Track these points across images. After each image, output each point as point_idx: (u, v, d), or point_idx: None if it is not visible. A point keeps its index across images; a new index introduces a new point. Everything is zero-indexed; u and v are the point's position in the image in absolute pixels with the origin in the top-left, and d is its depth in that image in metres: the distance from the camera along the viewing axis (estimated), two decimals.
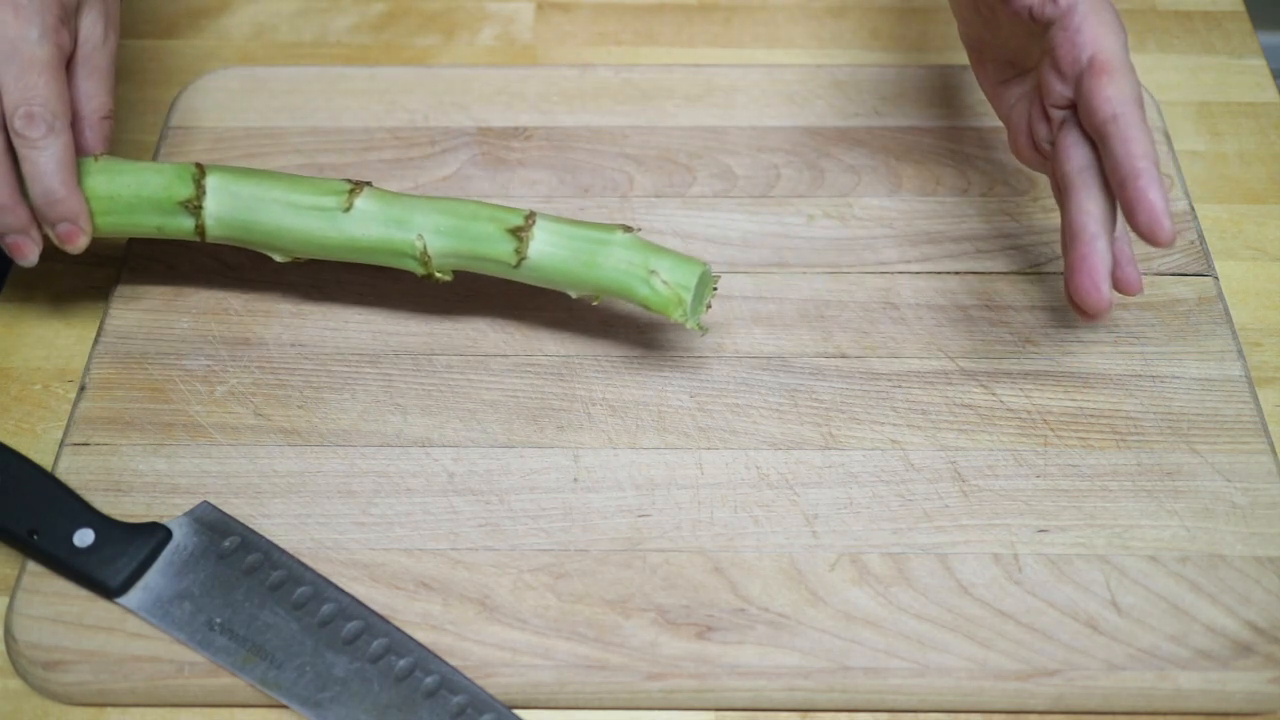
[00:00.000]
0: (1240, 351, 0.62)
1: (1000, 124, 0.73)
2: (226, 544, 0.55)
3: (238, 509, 0.57)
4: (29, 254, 0.59)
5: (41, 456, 0.60)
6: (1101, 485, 0.57)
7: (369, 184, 0.60)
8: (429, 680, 0.51)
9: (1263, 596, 0.54)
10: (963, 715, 0.53)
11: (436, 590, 0.54)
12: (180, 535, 0.55)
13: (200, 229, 0.60)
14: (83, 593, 0.54)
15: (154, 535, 0.55)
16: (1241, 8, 0.81)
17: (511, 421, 0.60)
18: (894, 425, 0.59)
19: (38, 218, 0.58)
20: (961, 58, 0.78)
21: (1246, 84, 0.76)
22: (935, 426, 0.59)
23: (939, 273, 0.65)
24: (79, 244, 0.59)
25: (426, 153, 0.71)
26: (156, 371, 0.62)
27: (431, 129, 0.73)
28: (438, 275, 0.60)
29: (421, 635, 0.53)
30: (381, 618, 0.53)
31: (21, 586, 0.54)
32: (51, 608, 0.54)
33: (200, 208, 0.59)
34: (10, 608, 0.54)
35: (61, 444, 0.59)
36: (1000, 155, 0.71)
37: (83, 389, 0.61)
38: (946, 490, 0.57)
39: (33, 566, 0.55)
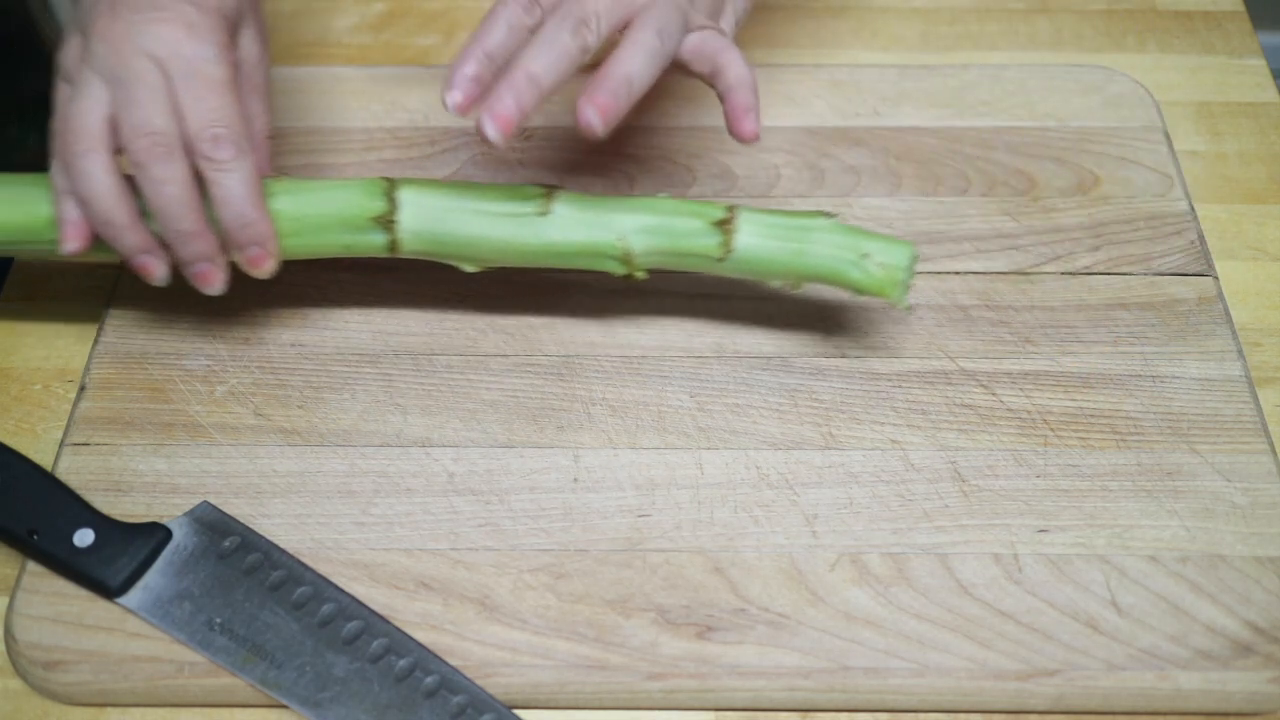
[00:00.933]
0: (1240, 351, 0.62)
1: (1000, 124, 0.73)
2: (226, 544, 0.55)
3: (238, 509, 0.57)
4: (216, 282, 0.57)
5: (41, 456, 0.60)
6: (1101, 485, 0.57)
7: (559, 187, 0.59)
8: (429, 680, 0.51)
9: (1263, 596, 0.54)
10: (963, 715, 0.53)
11: (436, 590, 0.54)
12: (180, 535, 0.55)
13: (394, 244, 0.58)
14: (83, 593, 0.54)
15: (154, 535, 0.55)
16: (1241, 8, 0.81)
17: (511, 421, 0.60)
18: (894, 425, 0.59)
19: (225, 242, 0.56)
20: (963, 57, 0.78)
21: (1246, 84, 0.76)
22: (935, 426, 0.59)
23: (939, 273, 0.65)
24: (267, 268, 0.57)
25: (426, 153, 0.71)
26: (156, 371, 0.62)
27: (431, 129, 0.73)
28: (637, 275, 0.59)
29: (421, 635, 0.53)
30: (381, 618, 0.53)
31: (21, 586, 0.54)
32: (51, 608, 0.54)
33: (394, 222, 0.57)
34: (10, 608, 0.54)
35: (61, 444, 0.59)
36: (1000, 155, 0.71)
37: (83, 389, 0.61)
38: (946, 490, 0.57)
39: (33, 566, 0.55)
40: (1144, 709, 0.52)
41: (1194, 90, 0.76)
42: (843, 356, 0.62)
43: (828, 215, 0.58)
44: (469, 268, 0.60)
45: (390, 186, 0.58)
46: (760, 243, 0.58)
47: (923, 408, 0.60)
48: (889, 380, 0.61)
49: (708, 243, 0.58)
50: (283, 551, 0.55)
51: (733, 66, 0.57)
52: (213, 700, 0.53)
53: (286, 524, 0.56)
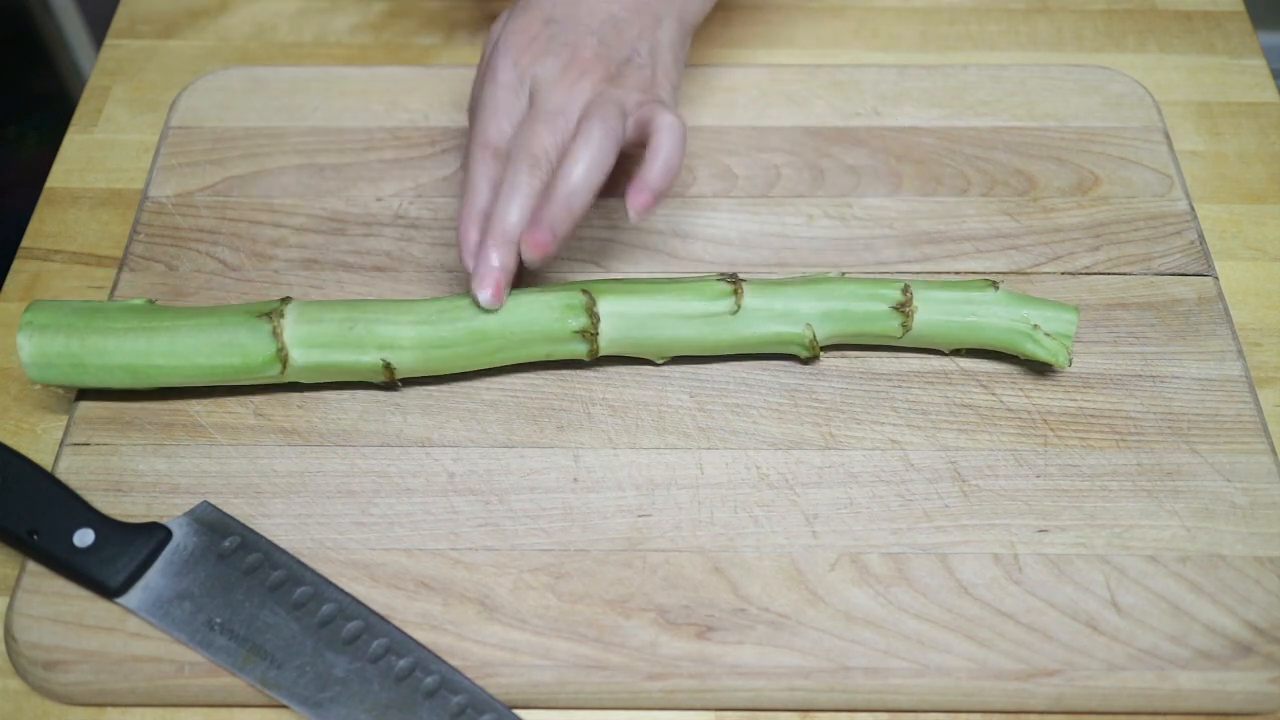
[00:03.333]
0: (1240, 351, 0.62)
1: (1000, 124, 0.73)
2: (226, 544, 0.55)
3: (238, 509, 0.57)
4: None
5: (41, 456, 0.60)
6: (1101, 485, 0.57)
7: (741, 279, 0.60)
8: (429, 680, 0.51)
9: (1263, 596, 0.54)
10: (963, 715, 0.53)
11: (436, 590, 0.54)
12: (180, 535, 0.55)
13: (593, 350, 0.60)
14: (83, 593, 0.54)
15: (154, 535, 0.55)
16: (1241, 8, 0.81)
17: (511, 421, 0.60)
18: (894, 425, 0.59)
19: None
20: (963, 57, 0.78)
21: (1246, 84, 0.76)
22: (935, 426, 0.59)
23: (939, 273, 0.65)
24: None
25: (426, 153, 0.71)
26: None
27: (431, 129, 0.73)
28: (819, 356, 0.61)
29: (421, 635, 0.53)
30: (381, 618, 0.53)
31: (21, 586, 0.54)
32: (51, 608, 0.54)
33: (595, 334, 0.59)
34: (10, 608, 0.54)
35: (61, 444, 0.59)
36: (1000, 155, 0.71)
37: (83, 388, 0.61)
38: (946, 490, 0.57)
39: (33, 566, 0.55)
40: (1144, 709, 0.52)
41: (1194, 90, 0.76)
42: (843, 356, 0.62)
43: (994, 285, 0.60)
44: (658, 361, 0.61)
45: (590, 300, 0.59)
46: (937, 319, 0.60)
47: (923, 408, 0.60)
48: (889, 380, 0.61)
49: (890, 325, 0.60)
50: (283, 551, 0.55)
51: (661, 145, 0.58)
52: (213, 700, 0.53)
53: (286, 524, 0.56)
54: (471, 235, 0.58)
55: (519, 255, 0.58)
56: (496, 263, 0.57)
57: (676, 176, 0.58)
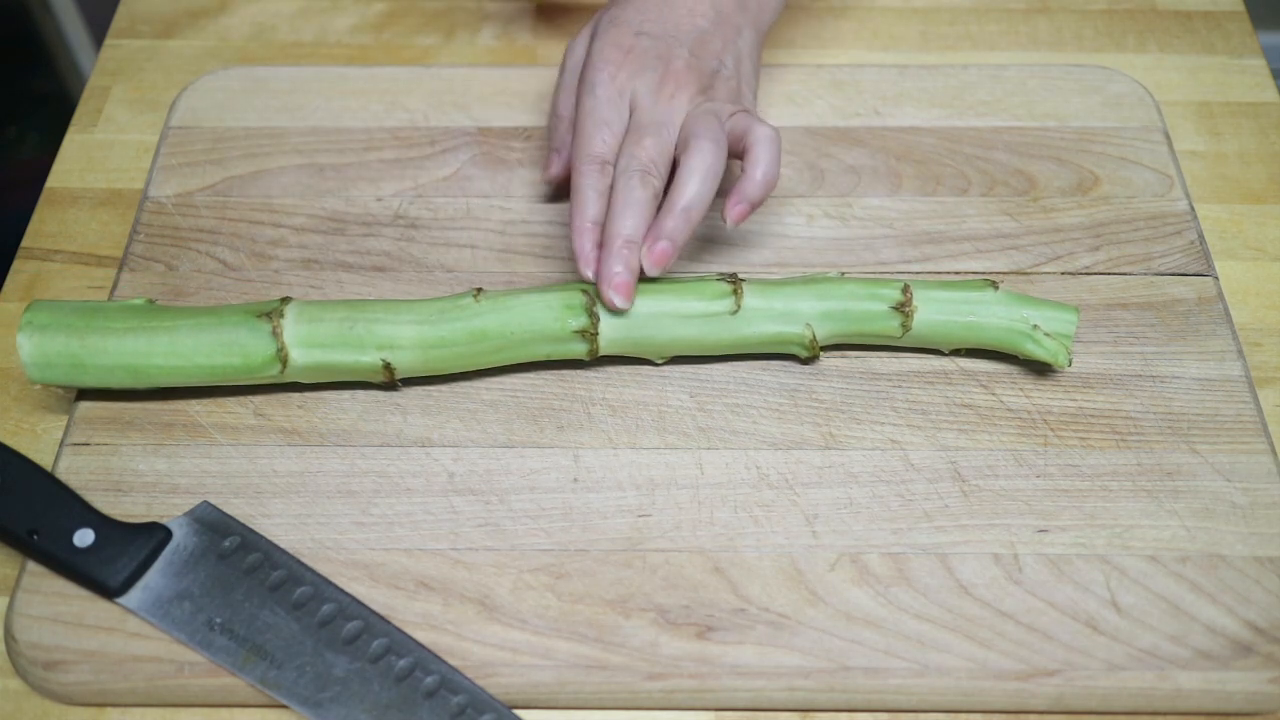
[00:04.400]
0: (1240, 351, 0.62)
1: (1000, 124, 0.73)
2: (226, 544, 0.55)
3: (238, 509, 0.57)
4: None
5: (41, 456, 0.60)
6: (1101, 485, 0.57)
7: (741, 279, 0.60)
8: (429, 680, 0.51)
9: (1263, 596, 0.54)
10: (963, 715, 0.53)
11: (436, 590, 0.54)
12: (180, 535, 0.55)
13: (593, 350, 0.60)
14: (83, 593, 0.54)
15: (154, 535, 0.55)
16: (1241, 8, 0.81)
17: (511, 421, 0.60)
18: (894, 425, 0.59)
19: None
20: (963, 57, 0.78)
21: (1246, 84, 0.76)
22: (935, 426, 0.59)
23: (939, 273, 0.65)
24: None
25: (426, 153, 0.71)
26: None
27: (431, 129, 0.73)
28: (817, 355, 0.61)
29: (421, 635, 0.53)
30: (381, 618, 0.53)
31: (21, 586, 0.54)
32: (51, 608, 0.54)
33: (595, 334, 0.59)
34: (10, 608, 0.54)
35: (61, 444, 0.59)
36: (1000, 155, 0.71)
37: (83, 388, 0.61)
38: (946, 490, 0.57)
39: (33, 566, 0.55)
40: (1144, 709, 0.52)
41: (1194, 90, 0.76)
42: (843, 356, 0.62)
43: (994, 285, 0.60)
44: (658, 361, 0.61)
45: (590, 301, 0.59)
46: (937, 319, 0.60)
47: (923, 408, 0.60)
48: (889, 380, 0.61)
49: (890, 325, 0.60)
50: (283, 551, 0.55)
51: (760, 157, 0.60)
52: (213, 700, 0.53)
53: (286, 524, 0.56)
54: (587, 244, 0.59)
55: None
56: (621, 267, 0.58)
57: (774, 187, 0.60)
